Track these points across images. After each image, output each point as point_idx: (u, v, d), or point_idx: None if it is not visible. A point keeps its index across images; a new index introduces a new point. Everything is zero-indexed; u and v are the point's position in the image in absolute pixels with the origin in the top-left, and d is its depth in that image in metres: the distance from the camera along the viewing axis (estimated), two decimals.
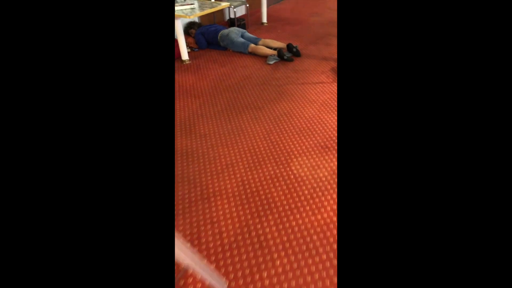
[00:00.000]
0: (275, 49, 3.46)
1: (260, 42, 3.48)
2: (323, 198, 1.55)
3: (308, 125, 2.15)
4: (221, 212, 1.50)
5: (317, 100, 2.47)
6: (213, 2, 3.48)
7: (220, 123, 2.24)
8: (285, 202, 1.54)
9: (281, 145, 1.97)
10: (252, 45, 3.38)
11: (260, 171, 1.75)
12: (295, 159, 1.83)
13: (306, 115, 2.28)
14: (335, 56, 3.31)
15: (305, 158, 1.83)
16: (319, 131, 2.08)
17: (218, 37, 3.59)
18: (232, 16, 4.50)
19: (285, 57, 3.18)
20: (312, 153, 1.88)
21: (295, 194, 1.58)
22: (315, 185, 1.63)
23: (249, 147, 1.96)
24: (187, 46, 3.53)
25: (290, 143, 1.97)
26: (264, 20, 4.57)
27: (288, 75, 2.89)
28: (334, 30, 4.21)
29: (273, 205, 1.53)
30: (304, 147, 1.93)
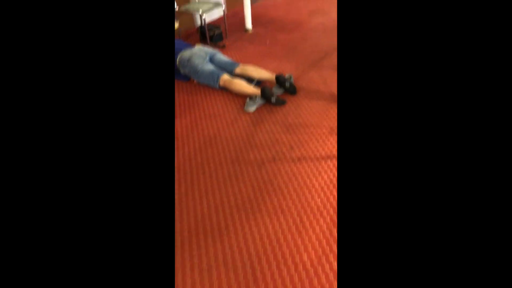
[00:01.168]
0: (258, 83, 2.33)
1: (238, 70, 2.34)
2: None
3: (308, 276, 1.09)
4: None
5: (324, 209, 1.38)
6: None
7: None
8: None
9: None
10: (225, 76, 2.25)
11: None
12: None
13: (304, 258, 1.20)
14: None
15: None
16: None
17: (177, 62, 2.45)
18: (202, 23, 3.07)
19: (272, 101, 2.06)
20: None
21: None
22: None
23: None
24: None
25: None
26: (248, 25, 3.38)
27: (277, 138, 1.79)
28: None
29: None
30: None
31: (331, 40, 3.05)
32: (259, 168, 1.60)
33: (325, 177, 1.52)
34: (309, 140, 1.77)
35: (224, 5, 3.25)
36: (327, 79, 2.37)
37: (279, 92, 2.21)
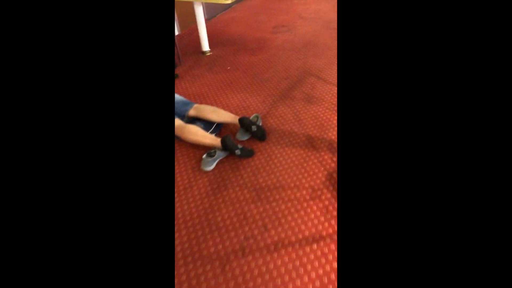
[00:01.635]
0: (217, 126, 1.89)
1: (192, 112, 1.89)
2: None
3: None
4: None
5: None
6: None
7: None
8: None
9: None
10: (179, 122, 1.78)
11: None
12: None
13: None
14: (334, 132, 1.82)
15: None
16: None
17: None
18: None
19: (237, 153, 1.63)
20: None
21: None
22: None
23: None
24: None
25: None
26: (205, 47, 2.93)
27: (245, 212, 1.36)
28: (317, 61, 2.69)
29: None
30: None
31: (302, 61, 2.70)
32: (222, 269, 1.15)
33: (314, 274, 1.11)
34: (287, 211, 1.35)
35: (175, 24, 2.79)
36: (300, 115, 1.99)
37: (244, 138, 1.79)
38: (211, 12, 3.90)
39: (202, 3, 2.62)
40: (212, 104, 2.16)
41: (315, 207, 1.36)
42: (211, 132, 1.81)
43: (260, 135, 1.77)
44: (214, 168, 1.60)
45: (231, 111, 2.08)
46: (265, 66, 2.66)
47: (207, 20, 3.75)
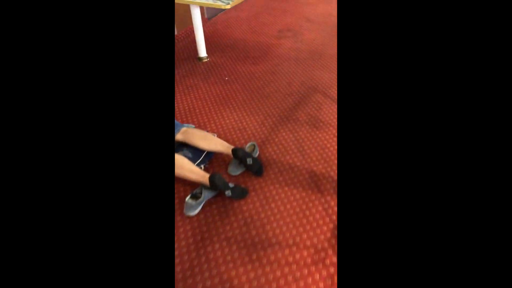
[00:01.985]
0: (207, 155, 1.63)
1: (180, 137, 1.61)
2: None
3: None
4: None
5: None
6: None
7: None
8: None
9: None
10: None
11: None
12: None
13: None
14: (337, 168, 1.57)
15: None
16: None
17: None
18: None
19: (227, 194, 1.38)
20: None
21: None
22: None
23: None
24: None
25: None
26: (202, 52, 2.66)
27: (231, 279, 1.12)
28: (324, 75, 2.41)
29: None
30: None
31: (307, 74, 2.43)
32: None
33: None
34: (283, 280, 1.10)
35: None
36: (304, 144, 1.73)
37: (238, 172, 1.54)
38: (212, 11, 3.61)
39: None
40: (204, 123, 1.91)
41: (317, 276, 1.11)
42: (200, 163, 1.55)
43: (256, 169, 1.51)
44: (200, 212, 1.36)
45: (225, 132, 1.83)
46: (266, 79, 2.39)
47: (207, 20, 3.46)
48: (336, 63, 2.59)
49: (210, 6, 1.96)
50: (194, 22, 2.44)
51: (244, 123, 1.91)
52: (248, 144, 1.64)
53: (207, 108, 2.06)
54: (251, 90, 2.25)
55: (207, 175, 1.39)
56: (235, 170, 1.53)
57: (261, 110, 2.03)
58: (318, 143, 1.74)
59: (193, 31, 2.55)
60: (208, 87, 2.29)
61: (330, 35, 3.13)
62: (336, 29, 3.25)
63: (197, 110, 2.04)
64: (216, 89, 2.26)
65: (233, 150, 1.51)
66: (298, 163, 1.61)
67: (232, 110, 2.03)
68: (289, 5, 4.05)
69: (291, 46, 2.92)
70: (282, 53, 2.79)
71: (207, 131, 1.77)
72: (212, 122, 1.93)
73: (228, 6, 1.91)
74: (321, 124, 1.89)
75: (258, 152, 1.64)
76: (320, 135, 1.79)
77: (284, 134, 1.82)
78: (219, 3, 1.93)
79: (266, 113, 2.00)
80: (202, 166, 1.56)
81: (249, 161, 1.49)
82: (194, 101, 2.14)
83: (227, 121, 1.93)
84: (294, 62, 2.62)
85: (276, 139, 1.78)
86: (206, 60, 2.66)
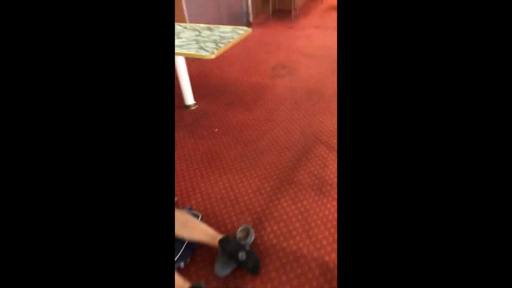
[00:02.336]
0: (188, 247, 1.25)
1: None
2: None
3: None
4: None
5: None
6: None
7: None
8: None
9: None
10: None
11: None
12: None
13: None
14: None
15: None
16: None
17: None
18: None
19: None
20: None
21: None
22: None
23: None
24: None
25: None
26: (189, 100, 2.38)
27: None
28: (325, 120, 2.10)
29: None
30: None
31: (307, 120, 2.14)
32: None
33: None
34: None
35: None
36: (310, 219, 1.39)
37: (227, 271, 1.19)
38: None
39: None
40: (188, 194, 1.59)
41: None
42: (180, 259, 1.22)
43: (251, 266, 1.17)
44: None
45: (212, 206, 1.50)
46: (261, 128, 2.10)
47: (194, 59, 3.25)
48: (337, 104, 2.32)
49: (193, 56, 1.71)
50: (178, 70, 2.19)
51: (236, 191, 1.59)
52: (240, 228, 1.31)
53: (192, 172, 1.75)
54: (244, 143, 1.96)
55: (187, 284, 1.05)
56: (223, 269, 1.18)
57: (256, 171, 1.72)
58: (326, 217, 1.40)
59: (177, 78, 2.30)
60: (194, 142, 2.00)
61: (328, 70, 2.89)
62: (336, 64, 3.02)
63: (180, 175, 1.73)
64: (204, 145, 1.97)
65: (220, 242, 1.18)
66: (305, 251, 1.27)
67: (222, 173, 1.72)
68: (282, 38, 3.88)
69: (286, 85, 2.66)
70: (277, 94, 2.52)
71: (190, 209, 1.45)
72: (197, 191, 1.61)
73: (213, 56, 1.66)
74: (328, 187, 1.57)
75: (253, 237, 1.30)
76: (328, 205, 1.47)
77: (285, 204, 1.49)
78: (203, 53, 1.68)
79: (262, 175, 1.68)
80: (182, 263, 1.22)
81: (242, 256, 1.16)
82: (178, 162, 1.84)
83: (216, 189, 1.62)
84: (291, 105, 2.35)
85: (276, 213, 1.45)
86: (194, 107, 2.39)
